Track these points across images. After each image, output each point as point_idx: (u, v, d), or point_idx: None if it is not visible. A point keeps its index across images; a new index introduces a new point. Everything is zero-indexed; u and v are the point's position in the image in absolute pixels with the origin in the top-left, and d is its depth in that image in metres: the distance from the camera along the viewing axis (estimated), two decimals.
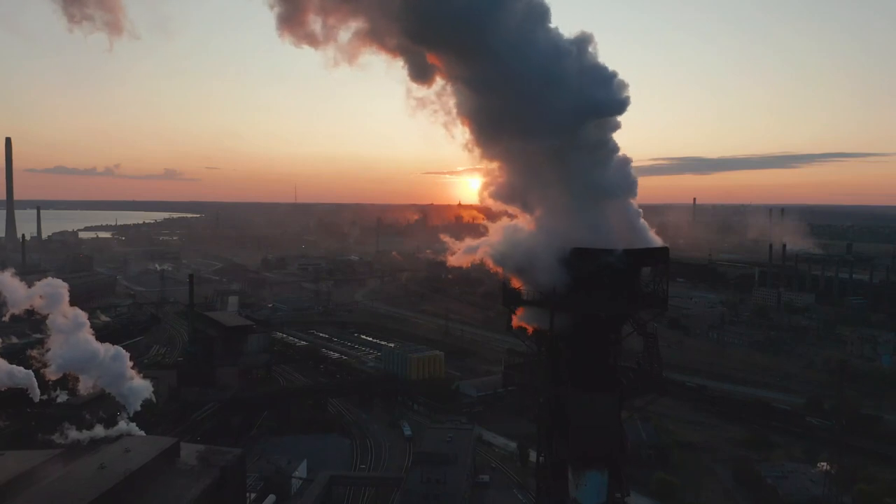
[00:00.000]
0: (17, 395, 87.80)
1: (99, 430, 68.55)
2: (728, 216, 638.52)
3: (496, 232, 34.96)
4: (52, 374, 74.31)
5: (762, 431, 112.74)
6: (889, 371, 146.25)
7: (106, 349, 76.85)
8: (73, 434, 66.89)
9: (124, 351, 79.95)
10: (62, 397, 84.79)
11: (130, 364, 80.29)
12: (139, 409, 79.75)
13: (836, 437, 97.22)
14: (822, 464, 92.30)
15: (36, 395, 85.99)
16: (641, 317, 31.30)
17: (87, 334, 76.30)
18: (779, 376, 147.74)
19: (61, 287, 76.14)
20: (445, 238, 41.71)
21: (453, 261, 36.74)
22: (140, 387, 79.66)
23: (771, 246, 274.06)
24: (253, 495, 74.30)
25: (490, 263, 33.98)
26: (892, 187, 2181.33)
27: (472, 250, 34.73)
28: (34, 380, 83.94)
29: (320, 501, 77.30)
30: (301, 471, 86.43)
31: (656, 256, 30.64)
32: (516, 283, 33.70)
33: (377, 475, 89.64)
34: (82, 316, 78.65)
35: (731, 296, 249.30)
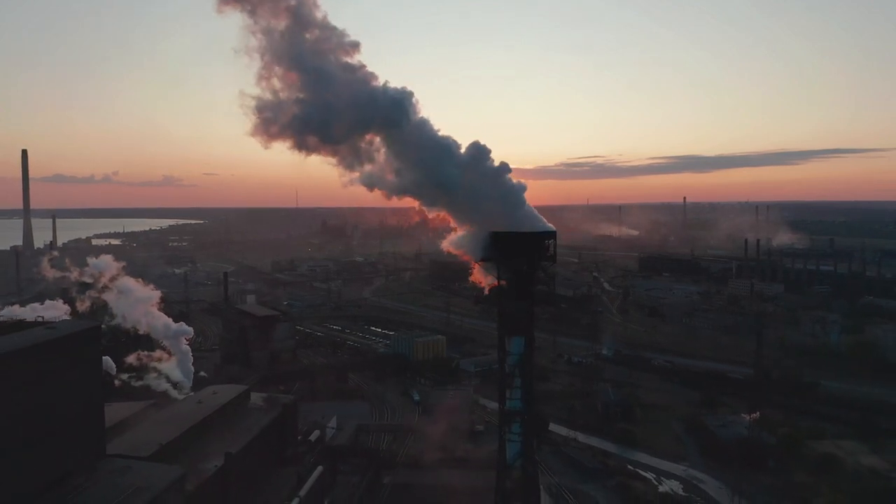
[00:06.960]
0: None
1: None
2: (720, 214, 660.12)
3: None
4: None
5: (715, 395, 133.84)
6: (835, 346, 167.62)
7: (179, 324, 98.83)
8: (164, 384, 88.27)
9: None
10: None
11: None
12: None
13: (759, 389, 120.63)
14: (751, 412, 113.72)
15: (112, 369, 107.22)
16: (544, 265, 56.40)
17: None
18: (741, 353, 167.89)
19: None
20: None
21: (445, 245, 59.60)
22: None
23: (746, 241, 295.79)
24: (299, 437, 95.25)
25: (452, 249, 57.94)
26: (890, 182, 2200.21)
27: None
28: (110, 361, 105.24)
29: (351, 442, 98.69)
30: (333, 423, 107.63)
31: (550, 235, 56.59)
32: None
33: (395, 423, 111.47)
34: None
35: (711, 288, 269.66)
